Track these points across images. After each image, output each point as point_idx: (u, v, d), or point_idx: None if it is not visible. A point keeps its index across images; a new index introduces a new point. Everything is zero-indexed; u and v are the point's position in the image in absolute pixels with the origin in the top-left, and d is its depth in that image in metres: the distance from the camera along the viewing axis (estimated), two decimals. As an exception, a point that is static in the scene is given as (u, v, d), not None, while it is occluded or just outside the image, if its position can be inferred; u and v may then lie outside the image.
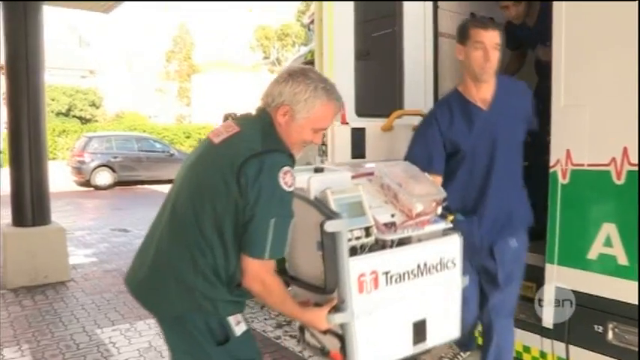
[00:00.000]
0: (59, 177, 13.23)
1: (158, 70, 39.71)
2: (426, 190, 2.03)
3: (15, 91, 5.66)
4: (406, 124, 3.28)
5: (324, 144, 3.19)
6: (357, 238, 1.81)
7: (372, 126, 3.30)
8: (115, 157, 15.57)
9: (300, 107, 1.75)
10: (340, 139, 3.19)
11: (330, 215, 1.77)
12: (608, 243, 2.36)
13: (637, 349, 2.28)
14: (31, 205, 5.71)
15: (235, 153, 1.68)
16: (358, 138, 3.23)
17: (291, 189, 1.69)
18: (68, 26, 35.85)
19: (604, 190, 2.38)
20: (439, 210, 2.05)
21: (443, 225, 2.02)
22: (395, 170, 2.13)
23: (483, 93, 2.41)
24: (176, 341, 1.80)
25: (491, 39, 2.32)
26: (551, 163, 2.55)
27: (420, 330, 1.99)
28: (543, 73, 3.34)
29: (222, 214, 1.67)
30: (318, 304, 1.88)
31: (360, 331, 1.83)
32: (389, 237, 1.88)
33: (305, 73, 1.80)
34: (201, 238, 1.69)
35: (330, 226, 1.76)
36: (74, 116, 27.22)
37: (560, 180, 2.51)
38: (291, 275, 2.04)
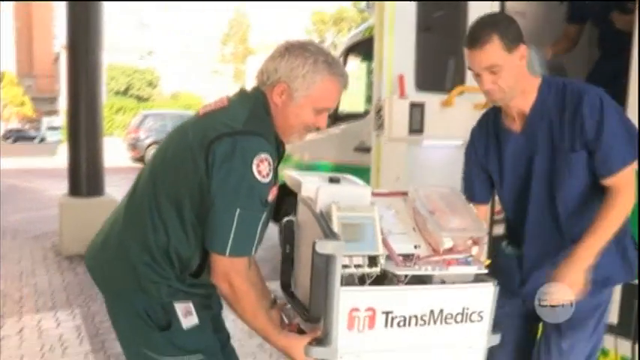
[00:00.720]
0: (115, 153, 13.79)
1: (214, 52, 40.44)
2: (462, 225, 1.71)
3: (74, 69, 6.06)
4: (468, 100, 3.12)
5: (380, 117, 3.03)
6: (358, 266, 1.56)
7: (432, 101, 3.16)
8: None
9: (299, 84, 1.56)
10: (398, 112, 3.08)
11: (327, 234, 1.54)
12: None
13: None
14: (86, 178, 6.13)
15: (211, 127, 1.52)
16: (417, 112, 3.11)
17: (266, 180, 1.49)
18: (128, 8, 37.68)
19: None
20: (475, 250, 1.72)
21: (475, 269, 1.69)
22: (432, 194, 1.83)
23: (515, 110, 1.91)
24: (119, 320, 1.68)
25: (479, 62, 1.79)
26: None
27: (422, 388, 1.70)
28: (613, 47, 3.14)
29: (184, 190, 1.52)
30: (301, 332, 1.67)
31: (342, 374, 1.59)
32: (399, 271, 1.60)
33: (303, 46, 1.59)
34: (157, 213, 1.55)
35: (322, 247, 1.52)
36: (132, 95, 28.81)
37: None
38: (291, 291, 1.84)
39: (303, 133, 1.69)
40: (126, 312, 1.63)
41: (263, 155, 1.50)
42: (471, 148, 2.07)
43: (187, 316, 1.60)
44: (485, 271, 1.69)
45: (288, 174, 1.83)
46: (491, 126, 2.01)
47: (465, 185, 2.07)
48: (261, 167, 1.49)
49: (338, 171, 4.76)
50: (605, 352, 2.56)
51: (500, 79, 1.78)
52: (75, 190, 6.21)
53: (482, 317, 1.69)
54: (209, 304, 1.71)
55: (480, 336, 1.71)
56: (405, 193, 1.86)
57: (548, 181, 1.88)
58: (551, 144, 1.85)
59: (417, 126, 3.13)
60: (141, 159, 15.62)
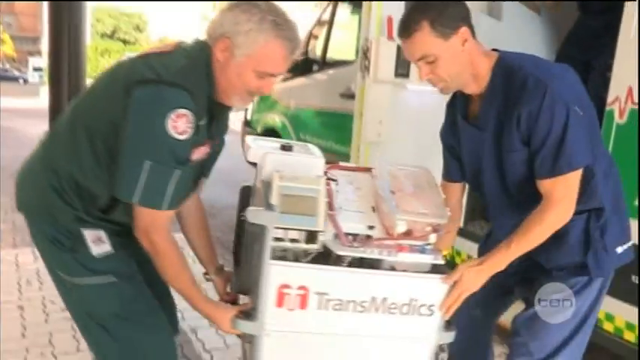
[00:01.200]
0: None
1: (205, -2, 38.85)
2: (422, 209, 1.57)
3: (57, 9, 5.87)
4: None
5: (366, 59, 3.00)
6: (293, 240, 1.47)
7: None
8: None
9: (241, 41, 1.45)
10: (384, 54, 3.04)
11: (267, 204, 1.45)
12: None
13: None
14: None
15: (140, 70, 1.45)
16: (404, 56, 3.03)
17: (181, 137, 1.41)
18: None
19: None
20: (432, 239, 1.58)
21: (428, 258, 1.55)
22: (399, 173, 1.69)
23: (473, 95, 1.72)
24: (36, 241, 1.66)
25: (411, 53, 1.62)
26: (609, 101, 2.45)
27: (358, 377, 1.59)
28: (594, 6, 3.23)
29: (100, 125, 1.49)
30: (235, 303, 1.60)
31: (267, 351, 1.51)
32: (340, 251, 1.49)
33: (256, 5, 1.47)
34: (72, 143, 1.53)
35: (253, 216, 1.44)
36: (118, 39, 27.85)
37: (617, 119, 2.42)
38: (238, 259, 1.77)
39: (247, 98, 1.58)
40: (38, 234, 1.62)
41: (182, 111, 1.41)
42: (442, 126, 1.89)
43: (98, 243, 1.58)
44: (442, 262, 1.55)
45: (246, 140, 1.73)
46: (457, 107, 1.81)
47: (443, 161, 1.92)
48: (178, 123, 1.40)
49: (322, 117, 4.77)
50: (610, 317, 2.54)
51: (439, 69, 1.60)
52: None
53: (432, 311, 1.56)
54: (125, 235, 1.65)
55: (428, 331, 1.58)
56: (367, 170, 1.74)
57: (497, 169, 1.70)
58: (496, 137, 1.65)
59: (403, 69, 3.10)
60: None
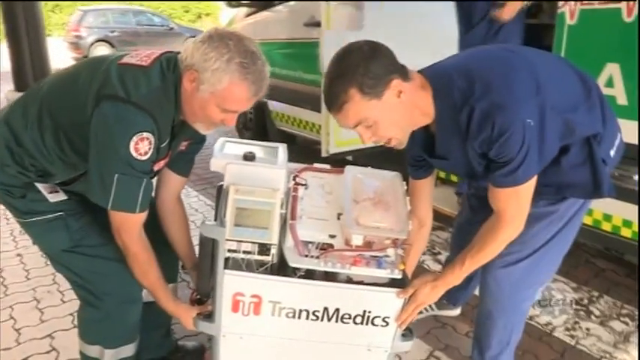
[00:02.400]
0: (57, 53, 12.61)
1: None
2: (381, 223, 1.59)
3: None
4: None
5: None
6: (246, 252, 1.55)
7: None
8: (113, 32, 15.38)
9: (207, 77, 1.50)
10: None
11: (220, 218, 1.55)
12: (609, 84, 2.51)
13: (634, 187, 2.53)
14: (33, 77, 6.14)
15: (114, 81, 1.53)
16: None
17: (142, 157, 1.53)
18: None
19: (612, 29, 2.50)
20: (391, 252, 1.60)
21: (384, 272, 1.57)
22: (365, 180, 1.71)
23: (432, 132, 1.65)
24: None
25: (345, 123, 1.52)
26: (560, 4, 2.66)
27: (313, 378, 1.70)
28: None
29: (66, 118, 1.60)
30: (200, 302, 1.74)
31: (225, 351, 1.65)
32: (293, 263, 1.56)
33: (225, 37, 1.51)
34: (37, 121, 1.63)
35: (206, 230, 1.55)
36: None
37: (568, 21, 2.62)
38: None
39: (210, 126, 1.65)
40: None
41: (145, 134, 1.51)
42: (408, 148, 1.69)
43: (53, 193, 1.72)
44: (399, 276, 1.58)
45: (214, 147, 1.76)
46: (418, 144, 1.69)
47: (408, 167, 1.83)
48: (140, 145, 1.51)
49: (289, 48, 4.83)
50: (607, 217, 2.75)
51: (380, 130, 1.51)
52: (21, 86, 6.39)
53: (387, 322, 1.61)
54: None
55: (383, 341, 1.64)
56: (338, 171, 1.77)
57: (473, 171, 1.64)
58: (464, 157, 1.58)
59: None
60: (85, 59, 15.09)
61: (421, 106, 1.52)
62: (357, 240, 1.57)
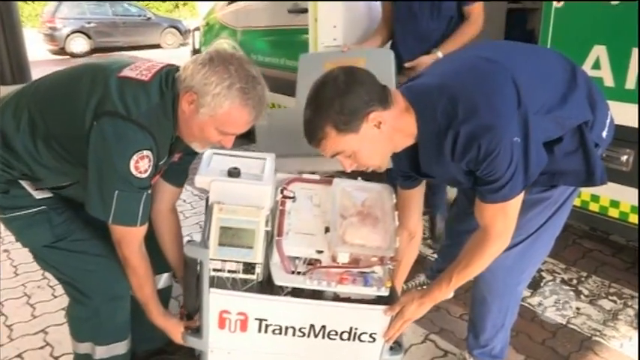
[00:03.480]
0: (32, 45, 11.70)
1: None
2: (368, 241, 1.59)
3: None
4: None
5: None
6: (231, 271, 1.57)
7: None
8: (89, 23, 15.11)
9: (207, 101, 1.51)
10: None
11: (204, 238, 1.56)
12: (596, 65, 2.54)
13: (622, 168, 2.57)
14: (10, 67, 6.30)
15: (113, 97, 1.53)
16: None
17: (142, 175, 1.55)
18: None
19: (599, 11, 2.51)
20: (378, 269, 1.62)
21: (370, 291, 1.59)
22: (354, 194, 1.70)
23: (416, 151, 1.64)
24: None
25: (326, 153, 1.51)
26: None
27: (302, 390, 1.74)
28: None
29: (61, 128, 1.59)
30: (189, 316, 1.76)
31: (213, 365, 1.69)
32: (279, 281, 1.57)
33: (228, 61, 1.51)
34: (28, 120, 1.62)
35: (189, 250, 1.56)
36: None
37: (555, 4, 2.64)
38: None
39: (206, 146, 1.68)
40: None
41: (145, 152, 1.53)
42: (394, 165, 1.73)
43: (39, 190, 1.72)
44: (385, 293, 1.60)
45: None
46: (404, 164, 1.68)
47: (397, 181, 1.81)
48: (140, 164, 1.52)
49: (272, 35, 4.79)
50: (595, 198, 2.77)
51: (361, 159, 1.51)
52: (1, 79, 6.53)
53: (374, 339, 1.64)
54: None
55: (370, 356, 1.67)
56: (327, 182, 1.76)
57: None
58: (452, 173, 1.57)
59: None
60: (61, 51, 14.84)
61: (404, 129, 1.51)
62: (343, 258, 1.58)
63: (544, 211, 1.75)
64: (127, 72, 1.61)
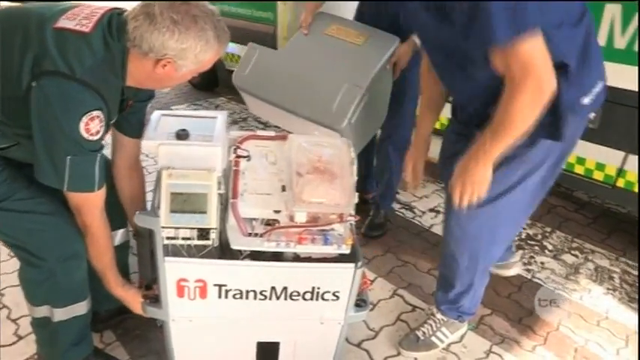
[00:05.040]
0: None
1: None
2: (326, 198, 1.58)
3: None
4: None
5: None
6: (186, 238, 1.54)
7: None
8: None
9: (189, 59, 1.51)
10: None
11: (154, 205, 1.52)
12: (610, 27, 2.54)
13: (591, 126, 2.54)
14: None
15: (52, 53, 1.42)
16: None
17: (95, 137, 1.48)
18: None
19: None
20: (340, 227, 1.61)
21: (331, 249, 1.59)
22: (311, 149, 1.68)
23: None
24: None
25: None
26: None
27: (268, 351, 1.76)
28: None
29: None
30: (149, 286, 1.75)
31: (177, 335, 1.69)
32: (235, 245, 1.56)
33: (194, 19, 1.45)
34: None
35: (140, 220, 1.52)
36: None
37: None
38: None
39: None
40: None
41: (95, 113, 1.45)
42: None
43: None
44: (346, 251, 1.60)
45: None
46: None
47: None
48: (91, 125, 1.45)
49: None
50: (581, 161, 2.83)
51: None
52: None
53: (338, 297, 1.65)
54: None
55: (335, 314, 1.68)
56: (281, 137, 1.73)
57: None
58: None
59: None
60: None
61: None
62: (301, 217, 1.57)
63: (517, 169, 1.74)
64: (63, 22, 1.48)
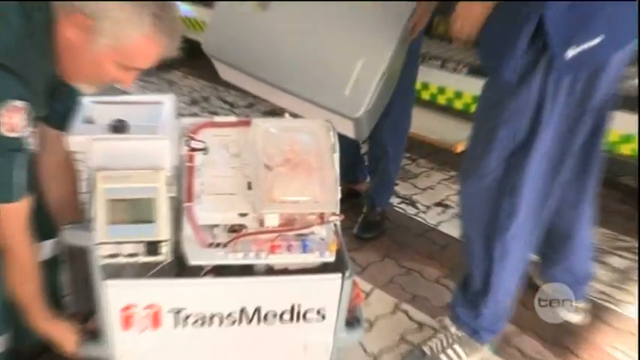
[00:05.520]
0: None
1: None
2: (301, 196, 1.30)
3: None
4: None
5: None
6: (131, 255, 1.26)
7: None
8: None
9: (107, 28, 1.20)
10: None
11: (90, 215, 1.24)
12: None
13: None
14: None
15: None
16: None
17: (16, 134, 1.21)
18: None
19: None
20: (321, 230, 1.33)
21: (312, 257, 1.31)
22: (281, 137, 1.39)
23: None
24: None
25: None
26: None
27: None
28: None
29: None
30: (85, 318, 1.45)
31: (126, 374, 1.39)
32: (194, 260, 1.28)
33: None
34: None
35: (70, 236, 1.25)
36: None
37: None
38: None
39: (97, 85, 1.39)
40: None
41: (16, 103, 1.19)
42: None
43: None
44: (330, 258, 1.32)
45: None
46: None
47: None
48: (13, 119, 1.19)
49: None
50: (627, 139, 2.69)
51: None
52: None
53: (324, 316, 1.37)
54: None
55: (321, 337, 1.40)
56: (244, 123, 1.44)
57: None
58: None
59: None
60: None
61: None
62: (273, 220, 1.30)
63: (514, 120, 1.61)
64: None
